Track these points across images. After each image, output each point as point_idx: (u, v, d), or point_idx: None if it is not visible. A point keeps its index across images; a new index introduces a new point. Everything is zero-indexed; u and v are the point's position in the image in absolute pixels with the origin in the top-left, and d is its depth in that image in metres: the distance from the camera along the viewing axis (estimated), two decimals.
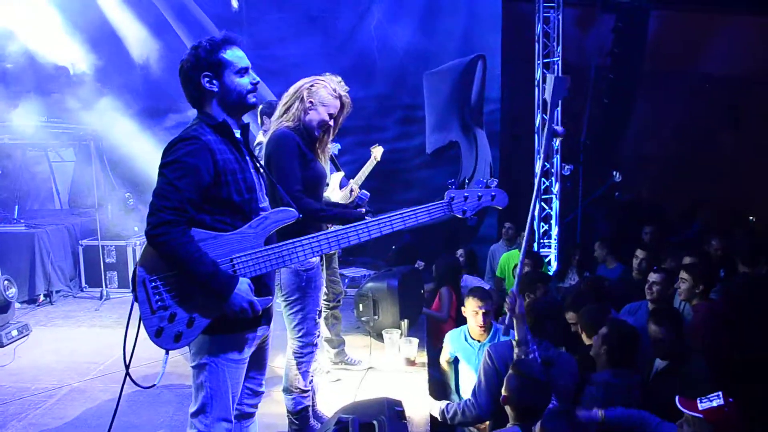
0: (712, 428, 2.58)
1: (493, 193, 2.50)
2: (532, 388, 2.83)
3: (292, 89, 3.21)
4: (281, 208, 2.40)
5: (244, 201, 2.30)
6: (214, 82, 2.30)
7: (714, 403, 2.61)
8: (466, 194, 2.47)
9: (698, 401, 2.65)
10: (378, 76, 8.36)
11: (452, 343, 4.31)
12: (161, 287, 2.18)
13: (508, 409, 2.93)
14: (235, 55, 2.32)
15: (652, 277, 4.32)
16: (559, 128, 3.02)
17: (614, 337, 3.38)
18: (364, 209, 3.07)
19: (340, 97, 3.20)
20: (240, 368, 2.38)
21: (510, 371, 2.95)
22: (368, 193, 3.04)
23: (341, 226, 2.44)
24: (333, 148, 4.63)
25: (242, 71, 2.33)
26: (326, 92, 3.15)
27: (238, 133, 2.38)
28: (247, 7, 8.38)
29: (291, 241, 2.35)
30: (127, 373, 2.33)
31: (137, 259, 2.20)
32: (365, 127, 7.93)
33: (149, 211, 2.16)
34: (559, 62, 7.87)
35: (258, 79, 2.37)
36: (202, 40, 2.30)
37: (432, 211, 2.43)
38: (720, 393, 2.65)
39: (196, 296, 2.21)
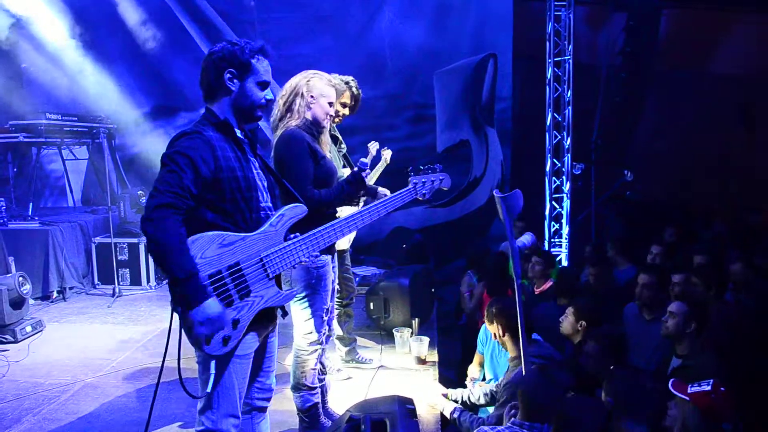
0: (697, 411, 2.64)
1: (441, 177, 3.00)
2: (551, 390, 2.80)
3: (288, 89, 3.27)
4: (294, 204, 2.46)
5: (244, 199, 2.33)
6: (235, 81, 2.34)
7: (702, 389, 2.68)
8: (423, 180, 2.94)
9: (689, 386, 2.72)
10: (389, 75, 8.35)
11: (485, 333, 4.29)
12: None
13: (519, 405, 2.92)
14: (263, 66, 2.39)
15: (675, 278, 4.32)
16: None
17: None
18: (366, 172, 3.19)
19: (335, 86, 3.33)
20: (245, 363, 2.40)
21: (533, 368, 2.93)
22: (367, 162, 3.17)
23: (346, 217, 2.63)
24: (371, 147, 4.71)
25: (263, 84, 2.39)
26: (322, 83, 3.24)
27: (238, 133, 2.41)
28: (258, 6, 8.40)
29: (307, 234, 2.46)
30: (183, 386, 2.28)
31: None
32: (376, 126, 7.93)
33: (149, 194, 2.18)
34: (571, 61, 7.84)
35: (272, 97, 2.44)
36: (240, 40, 2.36)
37: (404, 197, 2.90)
38: (711, 381, 2.71)
39: (235, 298, 2.27)
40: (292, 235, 2.43)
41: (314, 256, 2.49)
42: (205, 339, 2.18)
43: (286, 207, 2.44)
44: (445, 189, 3.04)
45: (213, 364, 2.30)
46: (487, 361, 4.23)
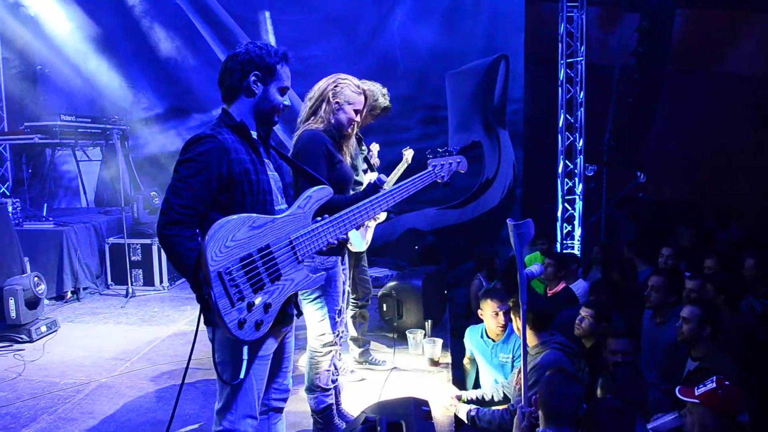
0: (710, 412, 2.63)
1: (458, 160, 3.00)
2: (568, 390, 2.78)
3: (316, 91, 3.24)
4: (319, 186, 2.45)
5: (257, 201, 2.32)
6: (259, 85, 2.35)
7: (708, 388, 2.67)
8: (442, 162, 2.96)
9: (695, 389, 2.71)
10: (401, 76, 8.34)
11: (470, 338, 4.40)
12: (237, 278, 2.16)
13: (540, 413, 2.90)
14: (285, 73, 2.40)
15: (689, 284, 4.29)
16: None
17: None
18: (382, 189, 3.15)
19: (363, 92, 3.28)
20: (264, 364, 2.40)
21: (549, 372, 2.92)
22: (386, 179, 3.15)
23: (371, 198, 2.63)
24: (373, 148, 4.70)
25: (284, 90, 2.41)
26: (350, 90, 3.20)
27: (254, 135, 2.41)
28: (271, 8, 8.43)
29: (335, 216, 2.44)
30: (218, 371, 2.29)
31: (201, 252, 2.12)
32: (388, 127, 7.92)
33: (162, 208, 2.19)
34: (583, 62, 7.82)
35: (290, 103, 2.44)
36: (267, 44, 2.37)
37: (425, 179, 2.89)
38: (714, 378, 2.70)
39: (266, 281, 2.24)
40: (320, 218, 2.41)
41: (342, 238, 2.46)
42: (238, 324, 2.15)
43: (313, 189, 2.42)
44: (462, 171, 3.04)
45: (245, 349, 2.27)
46: (485, 360, 4.26)
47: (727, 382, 2.67)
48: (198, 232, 2.23)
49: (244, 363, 2.27)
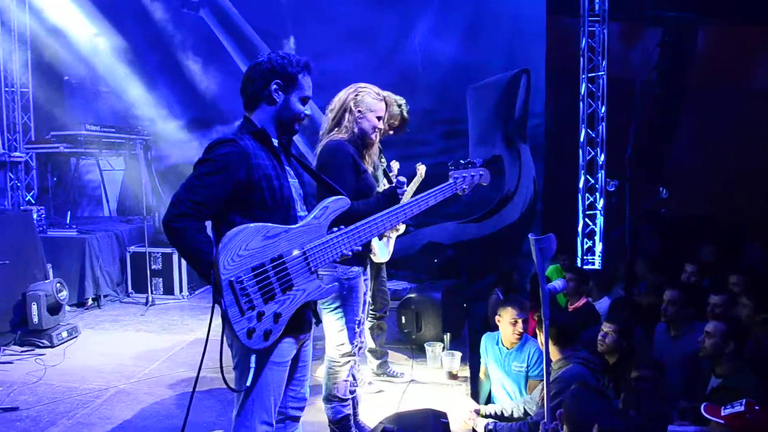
0: None
1: (481, 173, 2.93)
2: (595, 404, 2.74)
3: (336, 102, 3.27)
4: (337, 196, 2.44)
5: (279, 206, 2.33)
6: (280, 93, 2.37)
7: (736, 410, 2.62)
8: (464, 175, 2.88)
9: (722, 408, 2.66)
10: (421, 90, 8.32)
11: (486, 344, 4.37)
12: (248, 287, 2.16)
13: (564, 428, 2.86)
14: (307, 82, 2.42)
15: (714, 299, 4.23)
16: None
17: None
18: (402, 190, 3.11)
19: (384, 99, 3.30)
20: (281, 371, 2.39)
21: (575, 386, 2.88)
22: (404, 180, 3.14)
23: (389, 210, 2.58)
24: (393, 166, 4.71)
25: (305, 99, 2.42)
26: (371, 98, 3.22)
27: (275, 142, 2.43)
28: (292, 21, 8.51)
29: (351, 227, 2.42)
30: (223, 377, 2.25)
31: (215, 260, 2.12)
32: (408, 141, 7.91)
33: (172, 200, 2.20)
34: (605, 76, 7.77)
35: (310, 113, 2.46)
36: (289, 54, 2.40)
37: (445, 192, 2.80)
38: (744, 400, 2.65)
39: (277, 291, 2.23)
40: (335, 228, 2.40)
41: (356, 250, 2.43)
42: (247, 333, 2.15)
43: (330, 199, 2.41)
44: (484, 184, 2.98)
45: (253, 358, 2.27)
46: (497, 367, 4.22)
47: (757, 407, 2.61)
48: (205, 226, 2.24)
49: (251, 371, 2.27)
